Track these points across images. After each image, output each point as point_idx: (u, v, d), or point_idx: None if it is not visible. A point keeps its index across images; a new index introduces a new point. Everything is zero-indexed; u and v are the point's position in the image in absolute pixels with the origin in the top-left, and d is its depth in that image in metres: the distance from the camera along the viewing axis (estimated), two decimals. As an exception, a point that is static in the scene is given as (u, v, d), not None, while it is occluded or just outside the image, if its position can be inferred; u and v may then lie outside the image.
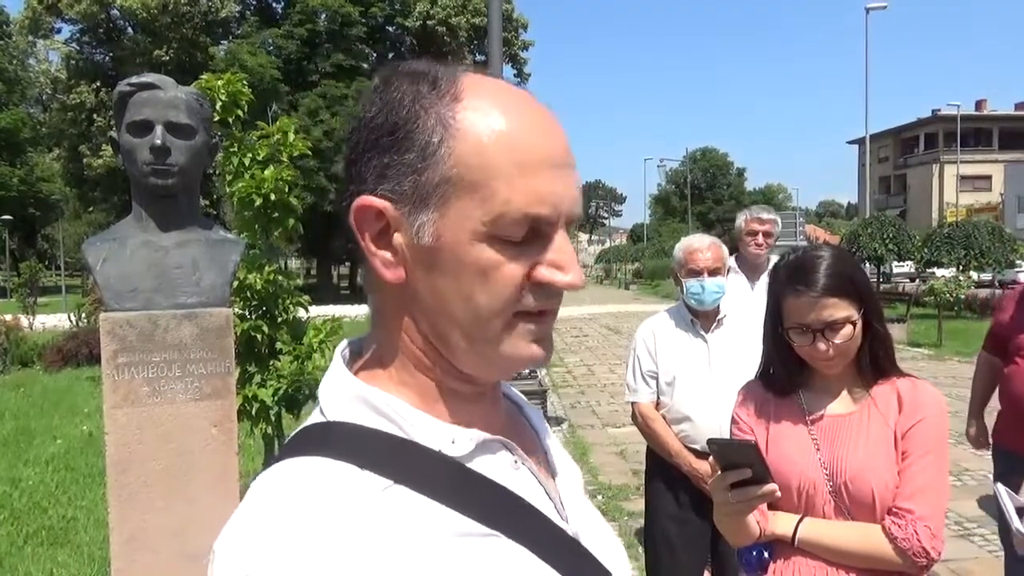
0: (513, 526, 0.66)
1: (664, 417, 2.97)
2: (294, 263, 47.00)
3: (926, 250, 21.22)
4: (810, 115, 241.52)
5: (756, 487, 1.51)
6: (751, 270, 3.85)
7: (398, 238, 0.65)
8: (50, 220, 47.79)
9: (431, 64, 0.67)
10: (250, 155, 4.00)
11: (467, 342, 0.66)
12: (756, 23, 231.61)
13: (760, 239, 3.80)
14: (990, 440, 3.38)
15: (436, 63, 0.67)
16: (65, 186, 42.42)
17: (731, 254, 3.18)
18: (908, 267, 31.02)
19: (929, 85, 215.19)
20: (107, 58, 36.69)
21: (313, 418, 0.71)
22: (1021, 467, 2.76)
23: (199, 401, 2.60)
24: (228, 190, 4.05)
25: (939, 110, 54.58)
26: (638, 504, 3.77)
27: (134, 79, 2.59)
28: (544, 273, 0.64)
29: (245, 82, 4.00)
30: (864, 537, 1.62)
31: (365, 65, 35.50)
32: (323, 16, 33.84)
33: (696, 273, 2.90)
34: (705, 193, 75.38)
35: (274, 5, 37.83)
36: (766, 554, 1.71)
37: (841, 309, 1.63)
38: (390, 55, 37.22)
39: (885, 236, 21.18)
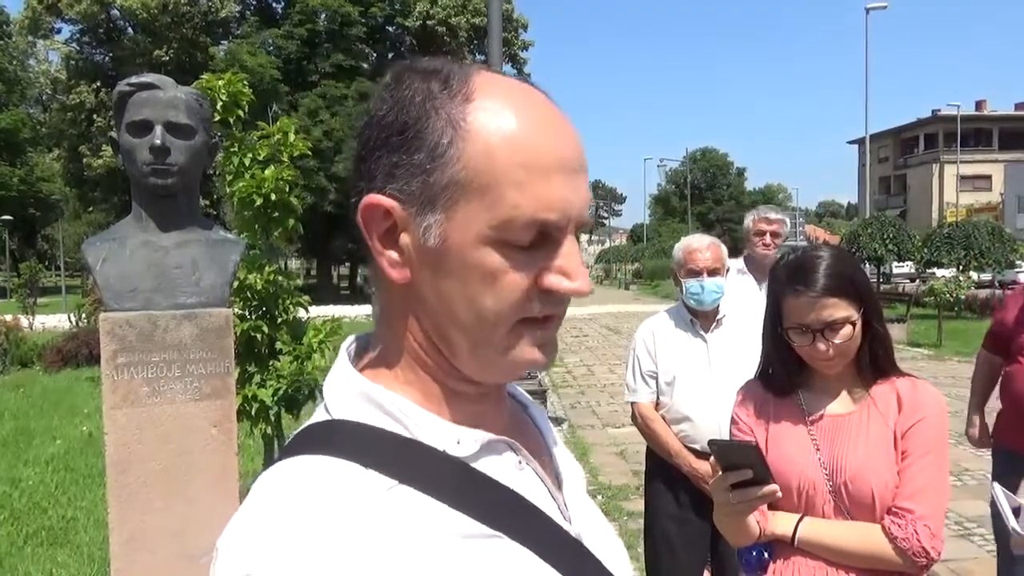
0: (517, 527, 0.65)
1: (664, 417, 2.97)
2: (294, 263, 47.01)
3: (926, 250, 21.22)
4: (810, 115, 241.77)
5: (757, 488, 1.51)
6: (759, 270, 3.85)
7: (405, 238, 0.64)
8: (50, 220, 47.80)
9: (444, 62, 0.66)
10: (250, 155, 4.00)
11: (470, 345, 0.65)
12: (756, 23, 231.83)
13: (768, 239, 3.81)
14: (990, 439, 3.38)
15: (449, 61, 0.67)
16: (65, 186, 42.42)
17: (730, 254, 3.17)
18: (908, 267, 31.02)
19: (929, 85, 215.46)
20: (107, 58, 36.69)
21: (317, 415, 0.70)
22: (1020, 467, 2.76)
23: (199, 401, 2.60)
24: (228, 190, 4.05)
25: (939, 110, 54.59)
26: (638, 504, 3.77)
27: (134, 79, 2.59)
28: (551, 280, 0.64)
29: (245, 82, 4.00)
30: (864, 537, 1.62)
31: (365, 65, 35.51)
32: (323, 16, 33.84)
33: (695, 273, 2.90)
34: (705, 193, 75.38)
35: (274, 5, 37.84)
36: (766, 554, 1.71)
37: (841, 309, 1.63)
38: (390, 55, 37.22)
39: (885, 236, 21.19)
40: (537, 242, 0.63)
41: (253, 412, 3.88)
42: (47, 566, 4.47)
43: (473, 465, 0.66)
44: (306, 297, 4.28)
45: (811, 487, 1.67)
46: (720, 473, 1.55)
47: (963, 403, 3.52)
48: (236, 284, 3.69)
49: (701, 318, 2.98)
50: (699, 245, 2.95)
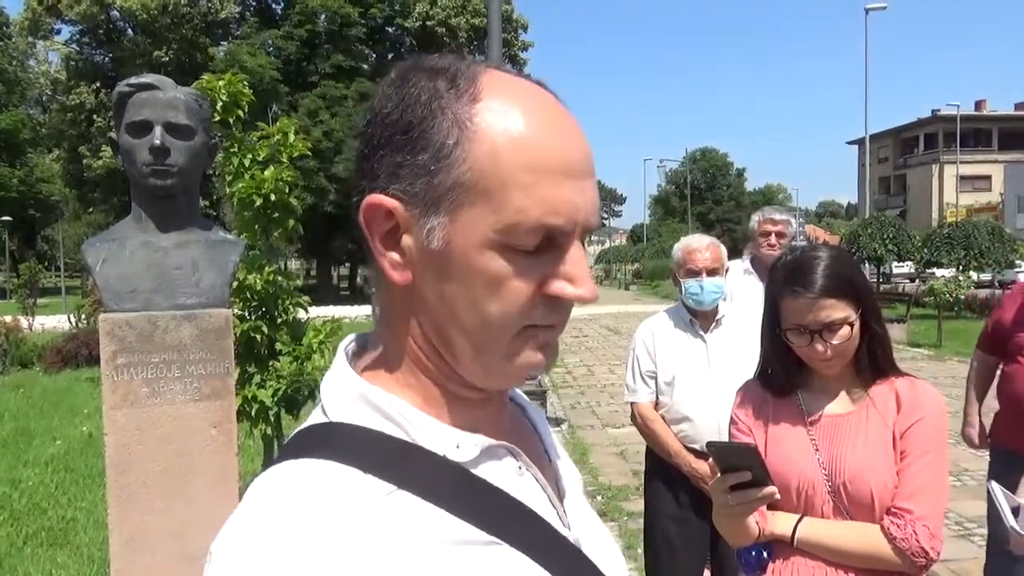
0: (516, 534, 0.64)
1: (663, 417, 2.97)
2: (294, 264, 47.02)
3: (926, 250, 21.23)
4: (810, 115, 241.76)
5: (756, 489, 1.52)
6: (764, 271, 3.87)
7: (407, 240, 0.63)
8: (50, 221, 47.81)
9: (451, 60, 0.65)
10: (250, 156, 4.00)
11: (472, 350, 0.64)
12: (756, 23, 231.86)
13: (773, 239, 3.84)
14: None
15: (456, 59, 0.65)
16: (65, 187, 42.43)
17: (730, 255, 3.19)
18: (908, 267, 31.02)
19: (929, 85, 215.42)
20: (107, 59, 36.70)
21: (314, 417, 0.69)
22: (1019, 466, 2.76)
23: (198, 402, 2.60)
24: (228, 191, 4.05)
25: (939, 110, 54.60)
26: (638, 504, 3.78)
27: (133, 80, 2.59)
28: (556, 286, 0.62)
29: (245, 83, 4.00)
30: (863, 537, 1.62)
31: (365, 66, 35.53)
32: (323, 17, 33.86)
33: (695, 273, 2.90)
34: (705, 193, 75.39)
35: (274, 6, 37.87)
36: (765, 554, 1.71)
37: (839, 310, 1.63)
38: (390, 56, 37.23)
39: (885, 236, 21.20)
40: (543, 247, 0.61)
41: (253, 413, 3.88)
42: (47, 567, 4.47)
43: (473, 471, 0.65)
44: (306, 298, 4.28)
45: (810, 487, 1.68)
46: (719, 475, 1.55)
47: (962, 403, 3.53)
48: (236, 285, 3.69)
49: (700, 318, 2.98)
50: (698, 245, 2.96)
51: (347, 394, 0.67)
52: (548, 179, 0.60)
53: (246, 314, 3.99)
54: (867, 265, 22.07)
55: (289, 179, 4.00)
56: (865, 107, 29.43)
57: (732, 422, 1.87)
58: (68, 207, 48.12)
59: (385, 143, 0.62)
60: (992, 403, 3.33)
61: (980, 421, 3.42)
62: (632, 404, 3.07)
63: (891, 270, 32.05)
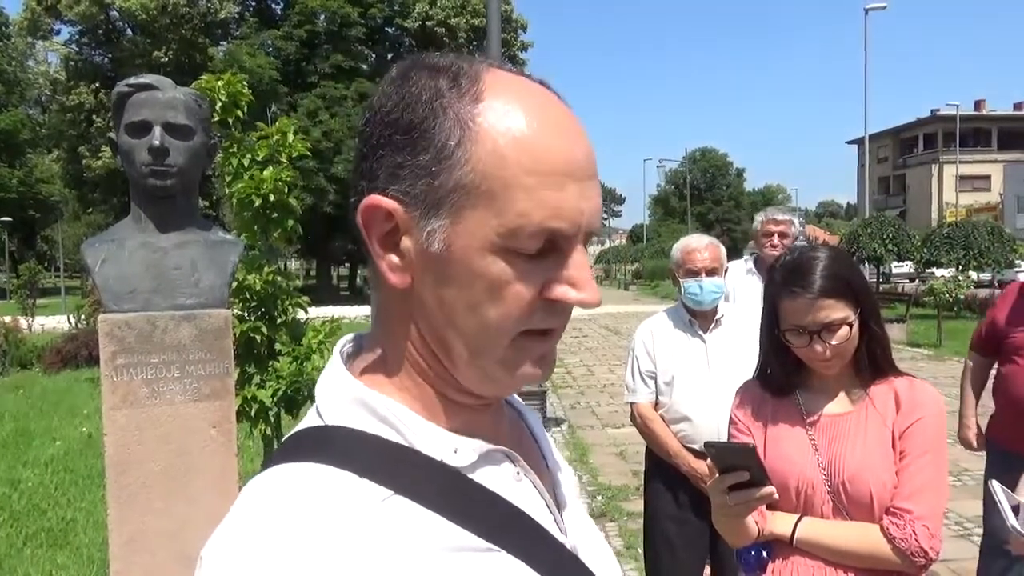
0: (514, 541, 0.63)
1: (663, 417, 2.97)
2: (293, 264, 47.03)
3: (925, 250, 21.23)
4: (810, 115, 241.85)
5: (754, 489, 1.52)
6: (767, 271, 3.89)
7: (406, 242, 0.61)
8: (49, 222, 47.81)
9: (453, 58, 0.63)
10: (249, 156, 3.99)
11: (470, 355, 0.63)
12: (755, 23, 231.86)
13: (776, 240, 3.85)
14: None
15: (458, 57, 0.63)
16: (64, 187, 42.42)
17: (730, 255, 3.19)
18: (907, 267, 31.00)
19: (928, 85, 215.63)
20: (106, 59, 36.69)
21: (309, 420, 0.68)
22: (1017, 466, 2.77)
23: (198, 402, 2.60)
24: (227, 191, 4.05)
25: (938, 110, 54.63)
26: (638, 505, 3.78)
27: (132, 80, 2.58)
28: (558, 290, 0.61)
29: (244, 83, 3.99)
30: (862, 537, 1.63)
31: (364, 66, 35.53)
32: (322, 17, 33.85)
33: (694, 273, 2.90)
34: (704, 193, 75.40)
35: (273, 6, 37.87)
36: (765, 554, 1.71)
37: (838, 310, 1.63)
38: (389, 56, 37.24)
39: (884, 236, 21.20)
40: (545, 251, 0.60)
41: (252, 413, 3.87)
42: (46, 567, 4.47)
43: (471, 476, 0.64)
44: (305, 298, 4.27)
45: (809, 487, 1.68)
46: (717, 475, 1.55)
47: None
48: (235, 285, 3.68)
49: (700, 318, 2.98)
50: (697, 245, 2.96)
51: (343, 397, 0.65)
52: (552, 181, 0.59)
53: (245, 314, 3.98)
54: (867, 265, 22.08)
55: (288, 179, 3.99)
56: (865, 107, 29.46)
57: (731, 422, 1.87)
58: (68, 207, 48.12)
59: (385, 143, 0.61)
60: (987, 404, 3.34)
61: (976, 423, 3.42)
62: (632, 404, 3.07)
63: (891, 270, 32.05)
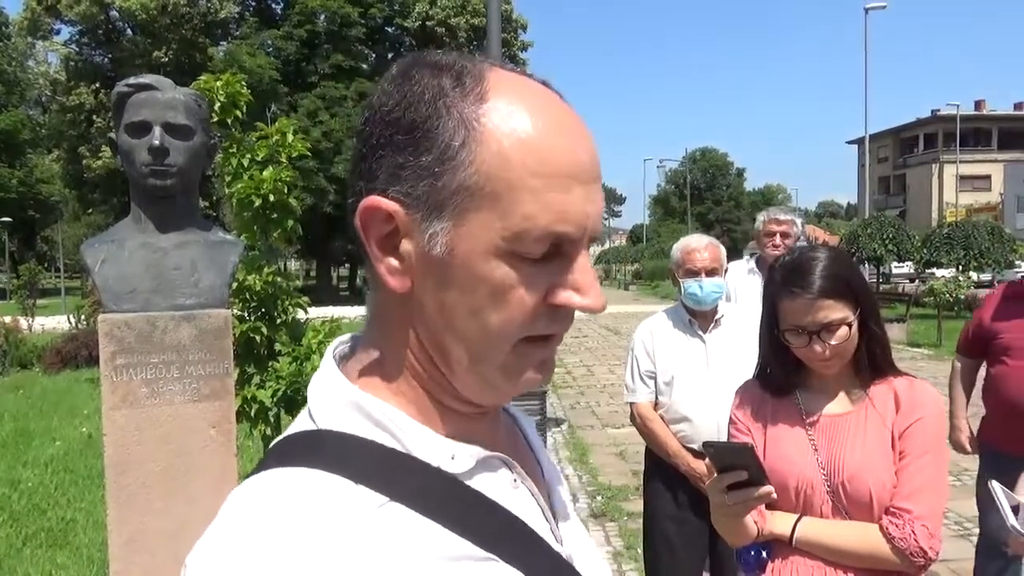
0: (511, 550, 0.62)
1: (662, 417, 2.97)
2: (293, 264, 47.04)
3: (925, 250, 21.22)
4: (810, 115, 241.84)
5: (752, 489, 1.51)
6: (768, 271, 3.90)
7: (406, 245, 0.60)
8: (49, 222, 47.81)
9: (455, 56, 0.61)
10: (249, 156, 3.99)
11: (470, 361, 0.61)
12: (755, 23, 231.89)
13: (778, 240, 3.85)
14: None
15: (460, 55, 0.62)
16: (64, 188, 42.41)
17: (730, 255, 3.19)
18: (908, 267, 31.00)
19: (928, 85, 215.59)
20: (106, 59, 36.69)
21: (301, 423, 0.65)
22: (1010, 467, 2.78)
23: (198, 402, 2.60)
24: (227, 191, 4.05)
25: (938, 110, 54.66)
26: (638, 504, 3.78)
27: (132, 80, 2.58)
28: (563, 295, 0.60)
29: (244, 83, 3.99)
30: (862, 537, 1.63)
31: (364, 66, 35.54)
32: (322, 17, 33.86)
33: (694, 273, 2.90)
34: (704, 193, 75.41)
35: (273, 6, 37.87)
36: (764, 554, 1.71)
37: (837, 311, 1.63)
38: (389, 56, 37.24)
39: (884, 236, 21.20)
40: (549, 255, 0.59)
41: (252, 413, 3.87)
42: (46, 568, 4.47)
43: (468, 483, 0.63)
44: (305, 298, 4.27)
45: (809, 487, 1.68)
46: (715, 475, 1.55)
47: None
48: (235, 285, 3.68)
49: (699, 318, 2.98)
50: (697, 245, 2.96)
51: (337, 400, 0.64)
52: (557, 184, 0.58)
53: (245, 315, 3.98)
54: (867, 265, 22.07)
55: (288, 179, 3.99)
56: (865, 107, 29.47)
57: (731, 422, 1.87)
58: (68, 208, 48.12)
59: (386, 143, 0.59)
60: (975, 406, 3.35)
61: (968, 425, 3.42)
62: (631, 404, 3.08)
63: (891, 270, 32.04)
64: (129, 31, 36.28)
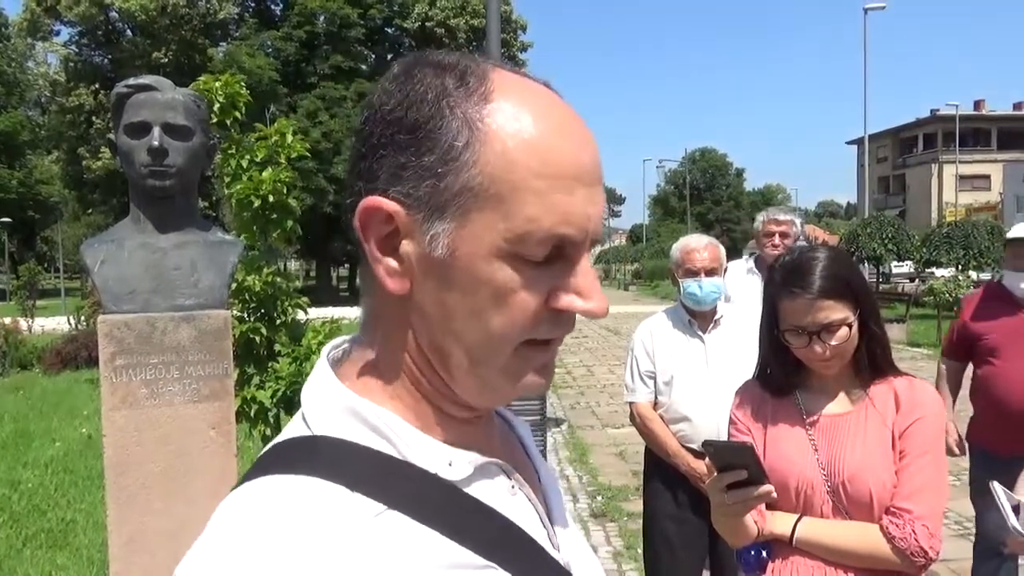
0: (510, 558, 0.61)
1: (662, 417, 2.97)
2: (293, 265, 47.04)
3: (925, 250, 21.23)
4: (809, 115, 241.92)
5: (752, 488, 1.51)
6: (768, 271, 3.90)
7: (407, 246, 0.59)
8: (49, 222, 47.79)
9: (458, 56, 0.61)
10: (248, 157, 3.99)
11: (469, 364, 0.60)
12: (755, 23, 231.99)
13: (777, 240, 3.86)
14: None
15: (463, 55, 0.61)
16: (64, 188, 42.41)
17: (729, 255, 3.20)
18: (907, 267, 31.01)
19: (928, 85, 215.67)
20: (106, 60, 36.69)
21: (294, 429, 0.64)
22: (1000, 467, 2.80)
23: (197, 403, 2.60)
24: (227, 192, 4.05)
25: (938, 110, 54.68)
26: (637, 505, 3.78)
27: (131, 81, 2.58)
28: (565, 299, 0.59)
29: (243, 84, 3.99)
30: (862, 537, 1.62)
31: (364, 67, 35.54)
32: (322, 18, 33.86)
33: (693, 273, 2.90)
34: (704, 194, 75.42)
35: (272, 7, 37.87)
36: (764, 554, 1.71)
37: (837, 311, 1.63)
38: (389, 57, 37.25)
39: (884, 236, 21.21)
40: (551, 257, 0.58)
41: (252, 414, 3.87)
42: (46, 568, 4.47)
43: (466, 490, 0.62)
44: (305, 299, 4.27)
45: (809, 487, 1.67)
46: (715, 474, 1.55)
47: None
48: (234, 286, 3.68)
49: (699, 318, 2.98)
50: (696, 245, 2.96)
51: (333, 405, 0.62)
52: (561, 186, 0.57)
53: (245, 315, 3.98)
54: (866, 265, 22.08)
55: (287, 180, 3.99)
56: (864, 107, 29.47)
57: (731, 422, 1.87)
58: (67, 208, 48.11)
59: (387, 142, 0.58)
60: (960, 408, 3.37)
61: (955, 427, 3.44)
62: (631, 404, 3.08)
63: (890, 270, 32.04)
64: (129, 32, 36.28)
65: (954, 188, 47.96)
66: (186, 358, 2.58)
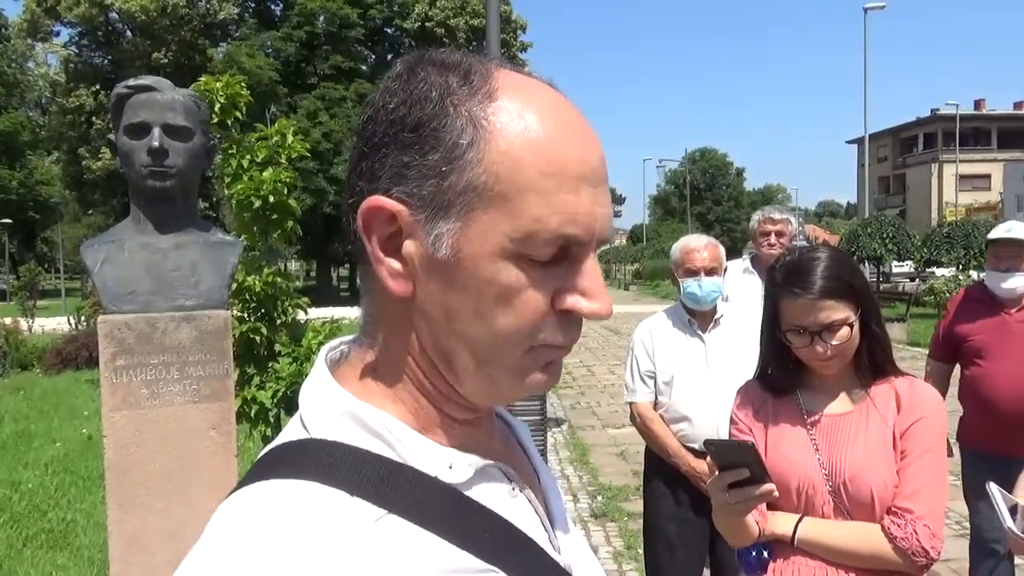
0: (511, 562, 0.60)
1: (662, 417, 2.97)
2: (293, 265, 47.01)
3: (925, 250, 21.25)
4: (809, 115, 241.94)
5: (754, 487, 1.51)
6: (766, 271, 3.88)
7: (410, 246, 0.58)
8: (49, 223, 47.79)
9: (462, 54, 0.60)
10: (248, 157, 3.99)
11: (476, 364, 0.60)
12: (755, 23, 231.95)
13: (773, 239, 3.85)
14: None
15: (467, 53, 0.61)
16: (64, 189, 42.41)
17: (729, 255, 3.19)
18: (908, 267, 31.02)
19: (928, 85, 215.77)
20: (106, 61, 36.69)
21: (292, 432, 0.63)
22: (991, 467, 2.81)
23: (198, 403, 2.60)
24: (227, 192, 4.05)
25: (938, 110, 54.69)
26: (638, 505, 3.78)
27: (131, 81, 2.58)
28: (570, 300, 0.59)
29: (243, 84, 4.00)
30: (864, 537, 1.62)
31: (364, 67, 35.56)
32: (321, 18, 33.86)
33: (693, 273, 2.90)
34: (704, 193, 75.41)
35: (272, 7, 37.87)
36: (765, 554, 1.71)
37: (838, 311, 1.63)
38: (389, 57, 37.25)
39: (884, 236, 21.22)
40: (556, 258, 0.57)
41: (253, 414, 3.87)
42: (47, 569, 4.47)
43: (466, 493, 0.61)
44: (305, 299, 4.27)
45: (810, 487, 1.67)
46: (717, 473, 1.55)
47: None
48: (235, 286, 3.69)
49: (699, 318, 2.98)
50: (696, 245, 2.96)
51: (331, 408, 0.62)
52: (569, 186, 0.56)
53: (245, 315, 3.98)
54: (867, 265, 22.09)
55: (288, 180, 3.99)
56: (864, 107, 29.43)
57: (732, 422, 1.87)
58: (68, 209, 48.09)
59: (389, 141, 0.58)
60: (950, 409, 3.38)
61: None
62: (631, 404, 3.08)
63: (891, 269, 32.06)
64: (128, 33, 36.28)
65: (954, 188, 47.94)
66: (186, 358, 2.58)
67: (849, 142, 62.45)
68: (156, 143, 2.49)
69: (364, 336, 0.66)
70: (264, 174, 3.93)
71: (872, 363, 1.71)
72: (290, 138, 4.09)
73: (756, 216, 4.04)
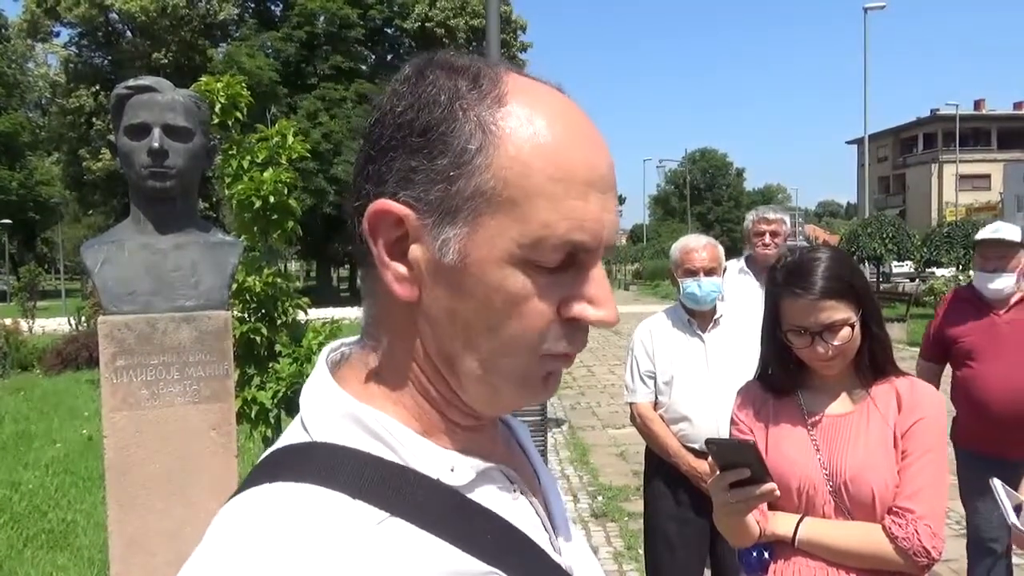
0: (512, 564, 0.60)
1: (662, 417, 2.97)
2: (293, 265, 47.02)
3: (925, 249, 21.25)
4: (809, 115, 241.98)
5: (755, 486, 1.51)
6: (760, 270, 3.87)
7: (416, 251, 0.57)
8: (50, 224, 47.80)
9: (471, 58, 0.60)
10: (249, 157, 3.99)
11: (482, 370, 0.59)
12: (755, 23, 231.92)
13: (767, 239, 3.84)
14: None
15: (475, 57, 0.60)
16: (64, 189, 42.43)
17: (729, 255, 3.19)
18: (908, 267, 31.02)
19: (928, 85, 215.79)
20: (106, 61, 36.70)
21: (293, 435, 0.63)
22: (985, 468, 2.81)
23: (198, 404, 2.60)
24: (227, 193, 4.05)
25: (938, 110, 54.70)
26: (638, 505, 3.78)
27: (131, 82, 2.58)
28: (576, 308, 0.59)
29: (243, 85, 4.00)
30: (865, 537, 1.62)
31: (364, 67, 35.57)
32: (322, 18, 33.87)
33: (692, 273, 2.90)
34: (704, 193, 75.39)
35: (272, 8, 37.88)
36: (766, 554, 1.71)
37: (839, 311, 1.63)
38: (388, 57, 37.27)
39: (884, 236, 21.21)
40: (564, 264, 0.57)
41: (253, 415, 3.87)
42: (47, 569, 4.47)
43: (468, 495, 0.61)
44: (305, 299, 4.28)
45: (811, 487, 1.67)
46: (718, 472, 1.55)
47: None
48: (235, 286, 3.69)
49: (698, 318, 2.98)
50: (696, 245, 2.96)
51: (333, 411, 0.61)
52: (577, 192, 0.56)
53: (245, 316, 3.98)
54: (867, 265, 22.08)
55: (288, 181, 3.99)
56: (864, 107, 29.43)
57: (733, 423, 1.87)
58: (68, 209, 48.09)
59: (397, 145, 0.57)
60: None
61: None
62: (631, 404, 3.08)
63: (891, 269, 32.05)
64: (128, 33, 36.29)
65: (954, 188, 47.94)
66: (187, 359, 2.58)
67: (849, 142, 62.49)
68: (156, 144, 2.49)
69: (366, 338, 0.65)
70: (264, 174, 3.94)
71: (873, 363, 1.71)
72: (290, 139, 4.09)
73: (750, 216, 4.00)
